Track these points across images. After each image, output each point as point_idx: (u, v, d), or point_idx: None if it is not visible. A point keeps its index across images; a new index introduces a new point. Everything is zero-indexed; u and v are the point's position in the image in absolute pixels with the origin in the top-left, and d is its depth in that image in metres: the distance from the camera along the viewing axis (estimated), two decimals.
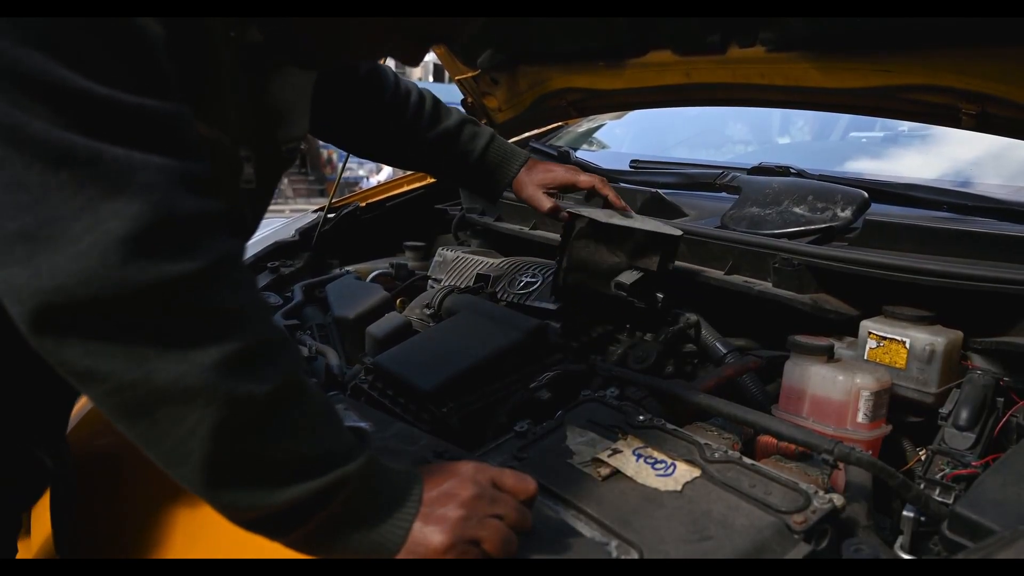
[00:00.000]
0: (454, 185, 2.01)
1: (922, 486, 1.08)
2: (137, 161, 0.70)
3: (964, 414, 1.17)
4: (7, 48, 0.67)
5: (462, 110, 1.76)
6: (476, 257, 2.00)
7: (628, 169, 2.23)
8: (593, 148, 2.80)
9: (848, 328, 1.43)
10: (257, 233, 2.37)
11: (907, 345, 1.28)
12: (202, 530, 1.17)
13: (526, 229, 2.09)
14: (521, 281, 1.77)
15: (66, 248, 0.67)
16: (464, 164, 1.64)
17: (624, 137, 2.92)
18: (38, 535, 1.34)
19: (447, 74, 2.44)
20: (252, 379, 0.74)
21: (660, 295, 1.53)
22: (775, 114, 2.84)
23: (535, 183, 1.62)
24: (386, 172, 18.72)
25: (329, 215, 2.40)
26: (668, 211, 1.85)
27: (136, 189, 0.69)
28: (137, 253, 0.68)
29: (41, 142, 0.67)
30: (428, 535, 0.82)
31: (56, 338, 0.69)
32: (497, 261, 1.93)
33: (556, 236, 2.00)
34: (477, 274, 1.91)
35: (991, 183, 1.73)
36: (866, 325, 1.35)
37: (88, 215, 0.67)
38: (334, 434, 0.82)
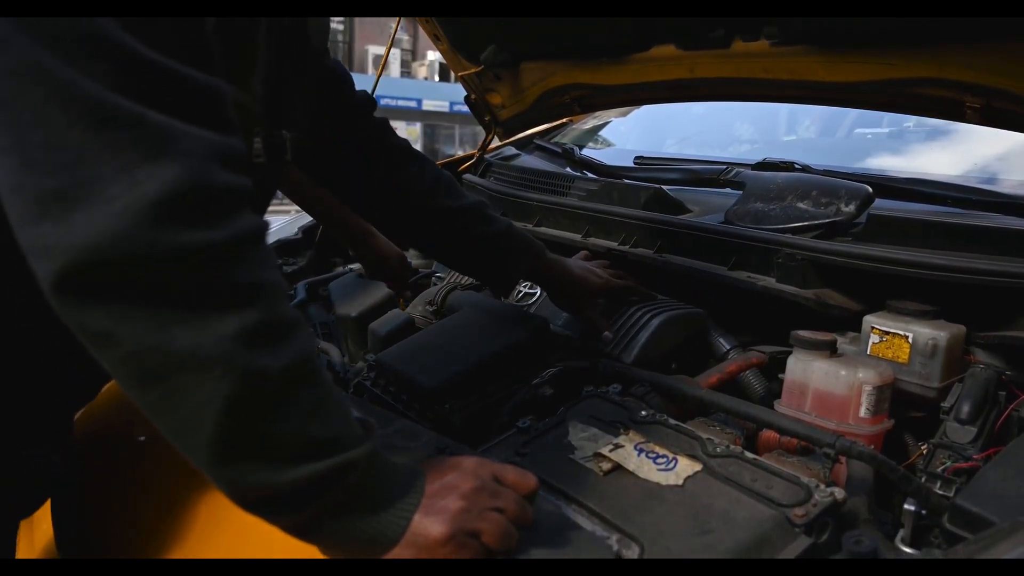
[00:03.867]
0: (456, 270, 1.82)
1: (923, 480, 1.08)
2: (178, 129, 0.72)
3: (966, 408, 1.17)
4: None
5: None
6: None
7: (632, 166, 2.23)
8: (598, 146, 2.80)
9: (851, 323, 1.42)
10: None
11: (910, 340, 1.28)
12: (206, 529, 1.17)
13: (530, 226, 2.09)
14: (520, 291, 1.77)
15: (101, 208, 0.67)
16: (471, 245, 1.48)
17: (629, 134, 2.92)
18: (38, 535, 1.35)
19: (452, 74, 2.44)
20: (268, 354, 0.74)
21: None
22: (781, 113, 2.83)
23: (587, 294, 1.55)
24: None
25: None
26: (672, 207, 1.84)
27: (174, 156, 0.70)
28: (169, 217, 0.69)
29: (87, 102, 0.68)
30: (428, 526, 0.82)
31: (80, 297, 0.69)
32: None
33: (560, 232, 2.00)
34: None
35: (996, 178, 1.73)
36: (869, 320, 1.34)
37: (125, 177, 0.68)
38: (342, 420, 0.82)
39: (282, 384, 0.75)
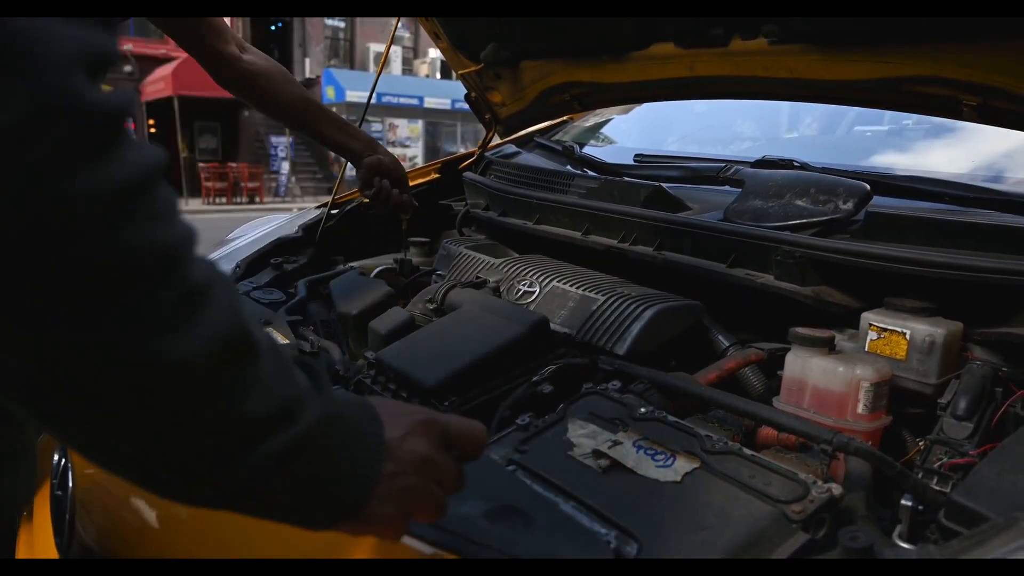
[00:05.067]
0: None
1: (920, 475, 1.09)
2: (29, 30, 0.51)
3: (962, 404, 1.17)
4: None
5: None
6: (477, 255, 2.01)
7: (632, 163, 2.23)
8: (599, 143, 2.81)
9: (850, 320, 1.43)
10: (261, 229, 2.39)
11: (907, 336, 1.28)
12: (205, 528, 1.18)
13: (530, 224, 2.10)
14: (519, 290, 1.77)
15: None
16: None
17: (630, 132, 2.93)
18: (39, 535, 1.35)
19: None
20: (182, 333, 0.57)
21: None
22: (783, 110, 2.84)
23: None
24: None
25: (332, 211, 2.41)
26: (671, 205, 1.85)
27: (27, 69, 0.51)
28: (24, 159, 0.50)
29: None
30: (377, 507, 0.74)
31: None
32: (498, 262, 1.93)
33: (560, 230, 2.01)
34: (476, 275, 1.91)
35: (994, 175, 1.73)
36: (867, 317, 1.35)
37: None
38: (290, 385, 0.67)
39: (208, 365, 0.59)
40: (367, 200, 2.08)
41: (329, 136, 2.09)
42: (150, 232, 0.55)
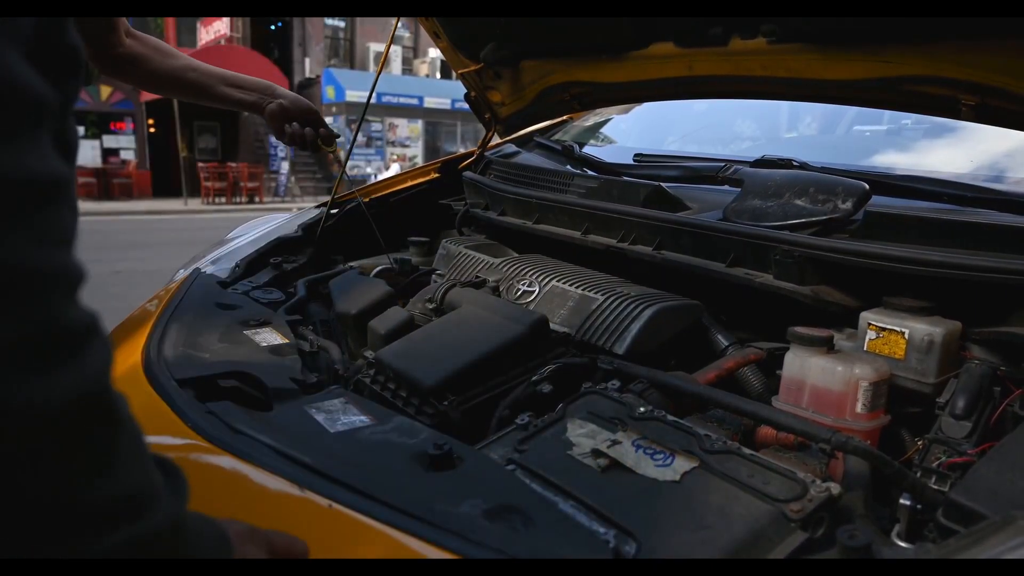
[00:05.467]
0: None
1: (918, 475, 1.09)
2: None
3: (961, 403, 1.17)
4: None
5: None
6: (477, 255, 2.01)
7: (632, 163, 2.23)
8: (599, 143, 2.81)
9: (848, 320, 1.43)
10: (260, 229, 2.39)
11: (906, 336, 1.29)
12: None
13: (529, 224, 2.10)
14: (518, 290, 1.78)
15: None
16: None
17: (630, 132, 2.93)
18: None
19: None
20: (42, 385, 0.48)
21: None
22: (783, 110, 2.84)
23: None
24: (394, 170, 18.78)
25: (332, 211, 2.41)
26: (670, 204, 1.85)
27: None
28: None
29: None
30: None
31: None
32: (497, 261, 1.93)
33: (559, 229, 2.01)
34: (475, 275, 1.91)
35: (992, 175, 1.73)
36: (866, 316, 1.35)
37: None
38: (143, 469, 0.58)
39: (59, 424, 0.49)
40: (287, 144, 2.11)
41: (223, 95, 2.07)
42: (26, 249, 0.47)
